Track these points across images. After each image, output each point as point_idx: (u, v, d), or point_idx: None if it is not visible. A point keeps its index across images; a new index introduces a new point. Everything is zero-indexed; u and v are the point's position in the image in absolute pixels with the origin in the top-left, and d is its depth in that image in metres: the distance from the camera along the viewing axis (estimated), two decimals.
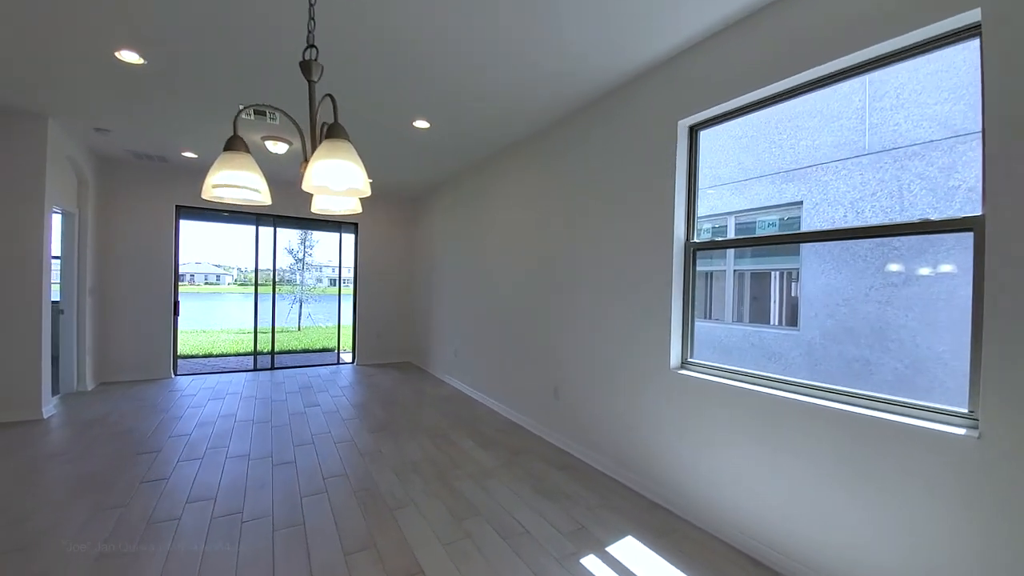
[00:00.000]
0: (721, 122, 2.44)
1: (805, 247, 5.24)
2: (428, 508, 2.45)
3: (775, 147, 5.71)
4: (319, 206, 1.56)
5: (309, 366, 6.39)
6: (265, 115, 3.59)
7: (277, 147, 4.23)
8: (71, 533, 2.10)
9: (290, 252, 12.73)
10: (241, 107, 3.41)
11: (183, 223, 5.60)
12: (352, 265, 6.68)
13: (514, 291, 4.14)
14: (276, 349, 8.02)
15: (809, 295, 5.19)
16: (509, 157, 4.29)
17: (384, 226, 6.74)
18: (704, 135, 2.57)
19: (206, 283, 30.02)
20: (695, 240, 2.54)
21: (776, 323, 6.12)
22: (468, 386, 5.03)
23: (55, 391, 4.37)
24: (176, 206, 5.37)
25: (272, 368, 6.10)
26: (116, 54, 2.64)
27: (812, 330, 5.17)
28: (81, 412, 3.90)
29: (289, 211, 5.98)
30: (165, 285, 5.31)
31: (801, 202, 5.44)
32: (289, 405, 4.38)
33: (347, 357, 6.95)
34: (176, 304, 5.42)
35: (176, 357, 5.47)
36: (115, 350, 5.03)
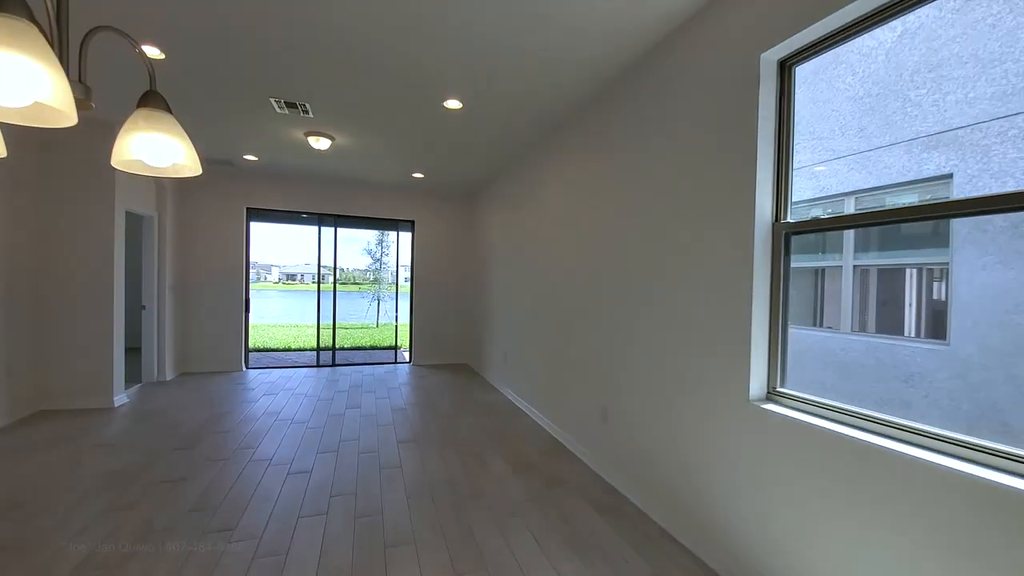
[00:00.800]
0: (827, 48, 1.69)
1: (959, 234, 3.95)
2: (428, 551, 2.04)
3: (911, 105, 4.41)
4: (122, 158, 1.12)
5: (367, 364, 6.41)
6: (298, 108, 3.47)
7: (319, 143, 4.15)
8: (68, 533, 2.04)
9: (368, 252, 13.42)
10: (274, 100, 3.34)
11: (254, 224, 5.90)
12: (409, 264, 6.60)
13: (560, 293, 3.60)
14: (348, 345, 8.30)
15: (964, 298, 3.90)
16: (553, 143, 3.75)
17: (440, 224, 6.55)
18: (806, 86, 1.83)
19: (287, 281, 33.47)
20: (788, 220, 1.81)
21: (913, 334, 4.76)
22: (516, 395, 4.58)
23: (137, 380, 4.76)
24: (246, 208, 5.65)
25: (333, 364, 6.21)
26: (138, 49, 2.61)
27: (968, 345, 3.88)
28: (147, 403, 4.15)
29: (351, 211, 6.03)
30: (237, 283, 5.61)
31: (951, 175, 4.14)
32: (333, 405, 4.30)
33: (406, 356, 6.89)
34: (247, 301, 5.71)
35: (247, 351, 5.77)
36: (193, 343, 5.41)
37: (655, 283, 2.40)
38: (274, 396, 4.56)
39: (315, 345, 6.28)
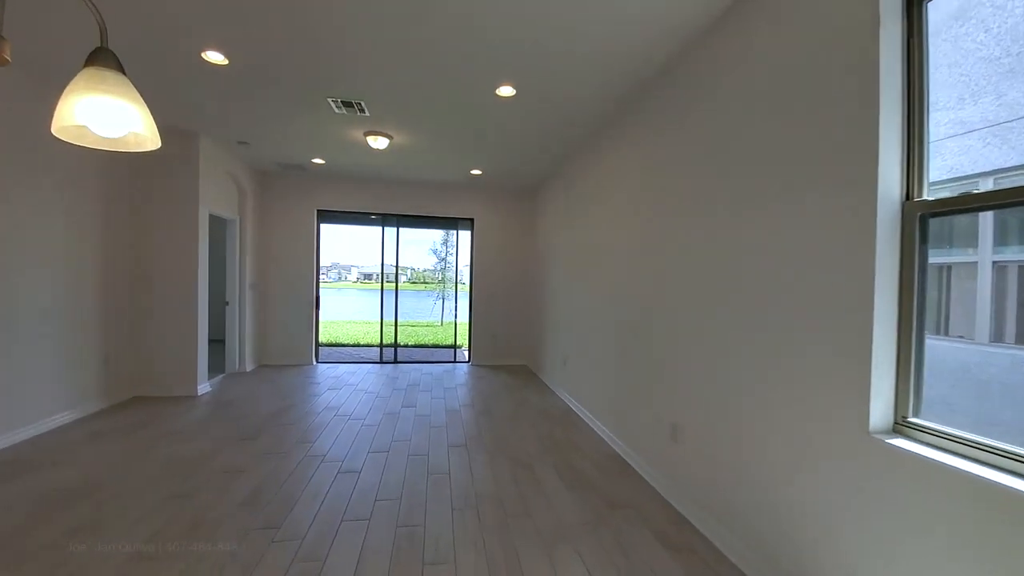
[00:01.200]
0: None
1: None
2: (467, 574, 1.85)
3: None
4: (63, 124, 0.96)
5: (427, 362, 6.46)
6: (354, 107, 3.49)
7: (378, 142, 4.18)
8: (131, 520, 2.13)
9: (434, 252, 13.77)
10: (331, 101, 3.37)
11: (326, 226, 6.18)
12: (469, 262, 6.54)
13: (622, 293, 3.27)
14: (413, 343, 8.50)
15: None
16: (615, 128, 3.42)
17: (499, 222, 6.42)
18: (939, 43, 1.39)
19: (364, 280, 35.42)
20: (924, 199, 1.38)
21: None
22: (575, 401, 4.29)
23: (221, 370, 5.15)
24: (316, 210, 5.93)
25: (395, 362, 6.33)
26: (202, 54, 2.73)
27: None
28: (226, 392, 4.45)
29: (413, 210, 6.11)
30: (308, 282, 5.90)
31: None
32: (389, 403, 4.31)
33: (466, 355, 6.85)
34: (317, 299, 5.99)
35: (317, 346, 6.05)
36: (270, 338, 5.77)
37: (739, 281, 2.02)
38: (337, 391, 4.69)
39: (383, 342, 6.44)
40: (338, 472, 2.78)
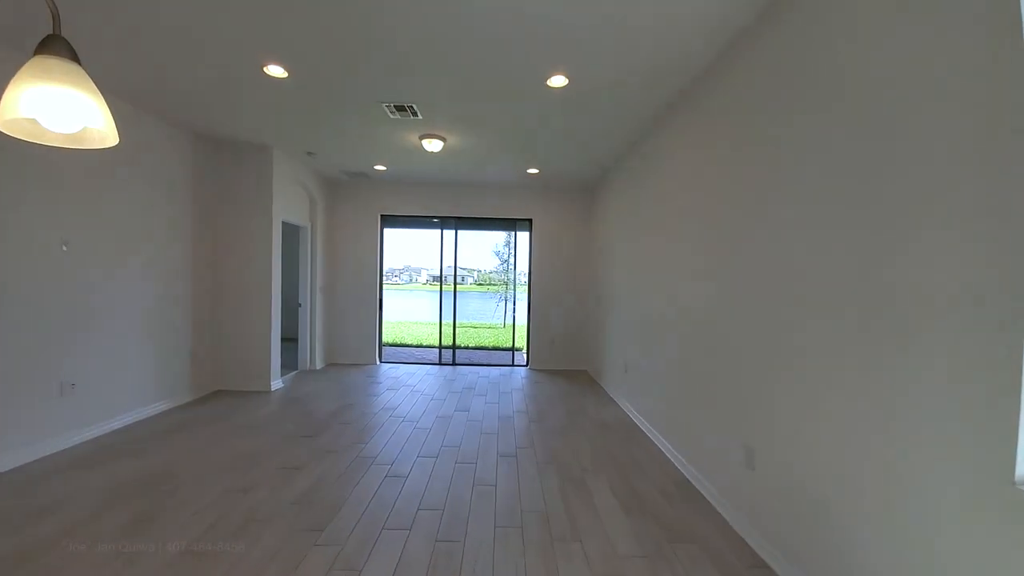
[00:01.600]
0: None
1: None
2: None
3: None
4: (7, 117, 0.83)
5: (485, 365, 6.42)
6: (407, 110, 3.50)
7: (432, 144, 4.19)
8: (189, 512, 2.24)
9: (496, 254, 13.83)
10: (385, 106, 3.41)
11: (391, 230, 6.40)
12: (527, 263, 6.41)
13: (686, 296, 2.93)
14: (473, 345, 8.56)
15: None
16: (678, 115, 3.09)
17: (557, 221, 6.22)
18: None
19: (433, 282, 36.51)
20: None
21: None
22: (636, 412, 3.97)
23: (294, 368, 5.49)
24: (380, 215, 6.14)
25: (453, 364, 6.36)
26: (264, 69, 2.86)
27: None
28: (296, 390, 4.71)
29: (471, 212, 6.12)
30: (372, 285, 6.13)
31: None
32: (444, 406, 4.29)
33: (524, 359, 6.72)
34: (380, 302, 6.20)
35: (380, 347, 6.26)
36: (338, 338, 6.07)
37: (827, 285, 1.66)
38: (395, 392, 4.77)
39: (447, 343, 6.52)
40: (386, 476, 2.76)
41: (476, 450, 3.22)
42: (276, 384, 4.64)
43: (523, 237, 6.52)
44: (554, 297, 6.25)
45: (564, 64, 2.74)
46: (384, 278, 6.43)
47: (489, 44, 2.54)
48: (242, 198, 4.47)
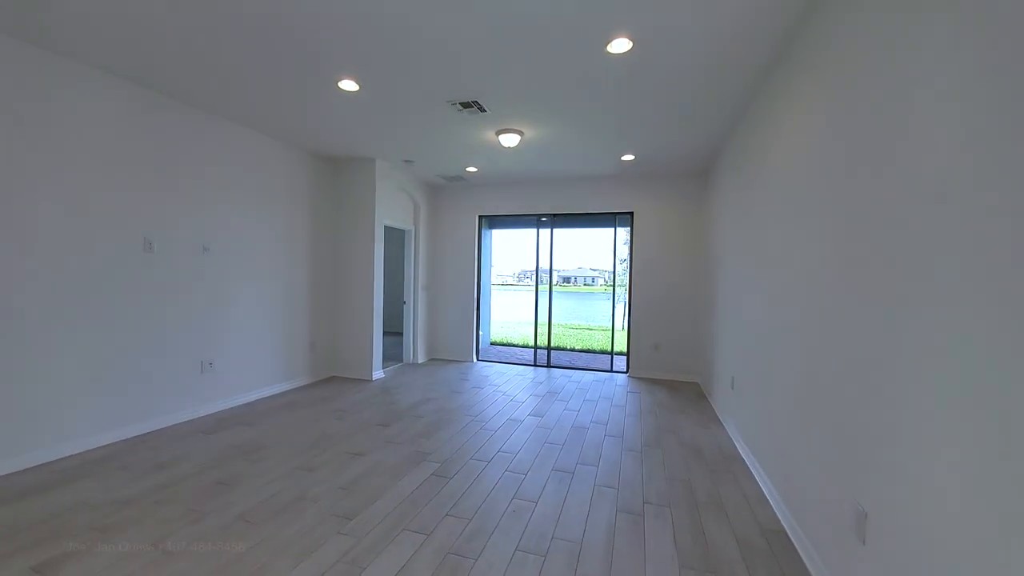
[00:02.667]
0: None
1: None
2: None
3: None
4: None
5: (580, 368, 6.06)
6: (473, 106, 3.46)
7: (509, 139, 4.09)
8: (259, 483, 2.52)
9: (601, 252, 13.16)
10: (451, 105, 3.43)
11: (501, 231, 6.54)
12: (627, 260, 5.86)
13: (796, 300, 2.25)
14: (571, 347, 8.25)
15: None
16: (799, 71, 2.39)
17: (663, 213, 5.54)
18: None
19: (562, 284, 36.41)
20: None
21: None
22: (740, 438, 3.25)
23: (399, 360, 5.96)
24: (478, 216, 6.30)
25: (548, 365, 6.17)
26: (338, 84, 3.11)
27: None
28: (392, 380, 5.08)
29: (567, 208, 5.87)
30: (470, 285, 6.32)
31: None
32: (519, 409, 4.14)
33: (624, 364, 6.17)
34: (478, 300, 6.36)
35: (477, 345, 6.42)
36: (440, 334, 6.41)
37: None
38: (479, 390, 4.81)
39: (542, 344, 6.40)
40: (432, 474, 2.73)
41: (532, 460, 3.00)
42: (377, 374, 5.08)
43: (624, 233, 5.99)
44: (659, 297, 5.59)
45: (625, 21, 2.34)
46: (497, 279, 6.58)
47: (536, 15, 2.31)
48: (350, 206, 5.02)
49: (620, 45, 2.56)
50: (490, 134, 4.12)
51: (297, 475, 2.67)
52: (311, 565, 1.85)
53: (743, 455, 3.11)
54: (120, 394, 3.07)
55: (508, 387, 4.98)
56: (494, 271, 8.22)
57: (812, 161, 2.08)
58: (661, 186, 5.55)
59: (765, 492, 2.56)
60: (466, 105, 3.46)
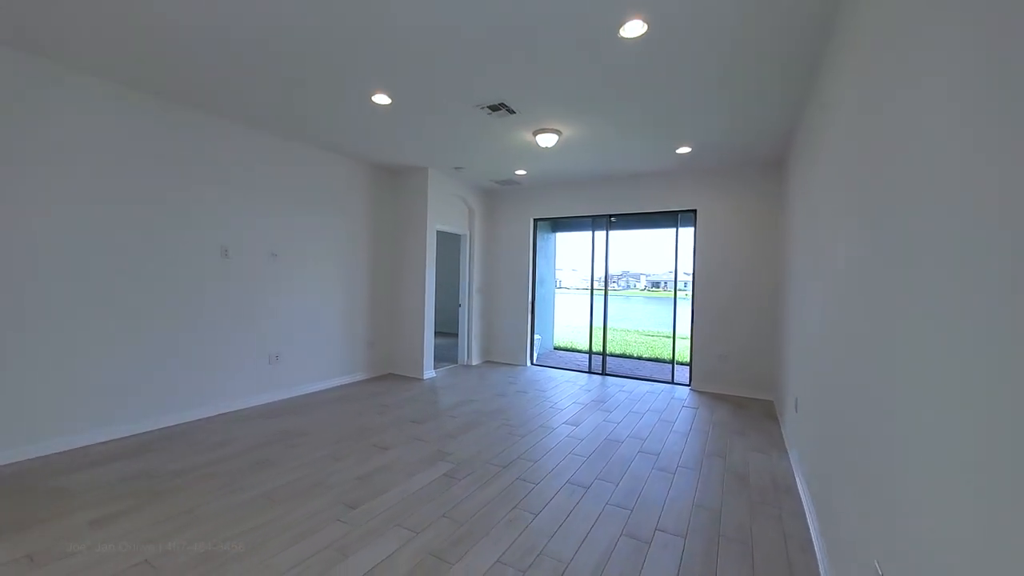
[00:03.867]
0: None
1: None
2: None
3: None
4: None
5: (637, 378, 5.68)
6: (501, 109, 3.46)
7: (547, 139, 4.01)
8: (291, 466, 2.76)
9: (662, 254, 12.14)
10: (480, 109, 3.48)
11: (564, 234, 6.47)
12: (691, 262, 5.38)
13: (852, 309, 1.88)
14: (631, 354, 7.79)
15: None
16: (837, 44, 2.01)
17: (730, 210, 5.00)
18: None
19: (652, 288, 34.37)
20: None
21: None
22: (800, 469, 2.78)
23: (453, 361, 6.15)
24: (532, 219, 6.27)
25: (602, 373, 5.89)
26: (372, 98, 3.32)
27: None
28: (442, 381, 5.25)
29: (625, 208, 5.60)
30: (524, 288, 6.30)
31: None
32: (557, 416, 4.01)
33: (686, 376, 5.65)
34: (532, 304, 6.32)
35: (532, 348, 6.36)
36: (494, 337, 6.48)
37: None
38: (522, 394, 4.75)
39: (600, 350, 6.16)
40: (442, 475, 2.76)
41: (550, 469, 2.88)
42: (428, 374, 5.30)
43: (687, 233, 5.51)
44: (727, 302, 5.04)
45: (635, 4, 2.18)
46: (556, 284, 6.51)
47: (543, 5, 2.25)
48: (404, 213, 5.32)
49: (633, 28, 2.37)
50: (527, 135, 4.08)
51: (324, 462, 2.88)
52: (303, 546, 1.98)
53: (800, 490, 2.66)
54: (200, 379, 3.60)
55: (554, 393, 4.86)
56: (562, 274, 8.08)
57: (871, 148, 1.72)
58: (727, 180, 5.01)
59: (812, 537, 2.16)
60: (494, 108, 3.47)
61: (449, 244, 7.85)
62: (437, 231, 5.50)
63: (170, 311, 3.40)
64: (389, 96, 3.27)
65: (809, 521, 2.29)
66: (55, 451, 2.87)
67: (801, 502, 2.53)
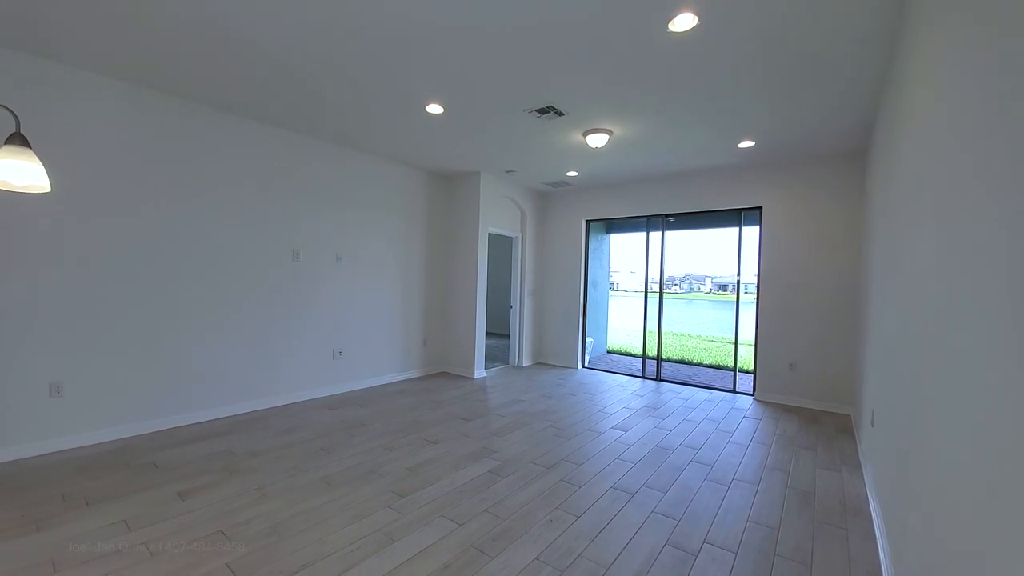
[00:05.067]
0: None
1: None
2: None
3: None
4: None
5: (695, 385, 5.41)
6: (549, 112, 3.48)
7: (597, 139, 3.98)
8: (339, 459, 2.97)
9: (726, 255, 11.28)
10: (528, 113, 3.54)
11: (610, 235, 6.38)
12: (756, 263, 5.05)
13: (931, 316, 1.70)
14: (687, 360, 7.42)
15: None
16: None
17: (799, 205, 4.63)
18: None
19: (718, 291, 32.43)
20: None
21: None
22: (875, 493, 2.52)
23: (505, 362, 6.23)
24: (584, 220, 6.21)
25: (657, 378, 5.68)
26: (426, 108, 3.48)
27: None
28: (492, 381, 5.34)
29: (683, 207, 5.40)
30: (576, 291, 6.25)
31: None
32: (605, 421, 3.94)
33: (750, 384, 5.30)
34: (584, 306, 6.25)
35: (583, 352, 6.29)
36: (546, 339, 6.49)
37: None
38: (571, 397, 4.72)
39: (642, 353, 5.97)
40: (488, 471, 2.82)
41: (594, 473, 2.84)
42: (480, 373, 5.42)
43: (751, 232, 5.18)
44: (795, 307, 4.67)
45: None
46: (611, 286, 6.42)
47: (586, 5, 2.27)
48: (457, 216, 5.50)
49: (684, 22, 2.30)
50: (577, 136, 4.07)
51: (378, 452, 3.06)
52: (357, 527, 2.13)
53: (873, 511, 2.41)
54: (273, 369, 3.97)
55: (604, 397, 4.77)
56: (618, 276, 7.91)
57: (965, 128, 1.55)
58: (795, 174, 4.65)
59: (882, 564, 1.96)
60: (543, 111, 3.50)
61: (501, 246, 8.00)
62: (489, 233, 5.63)
63: (248, 309, 3.79)
64: (442, 105, 3.42)
65: (879, 545, 2.07)
66: (146, 432, 3.30)
67: (873, 524, 2.29)
